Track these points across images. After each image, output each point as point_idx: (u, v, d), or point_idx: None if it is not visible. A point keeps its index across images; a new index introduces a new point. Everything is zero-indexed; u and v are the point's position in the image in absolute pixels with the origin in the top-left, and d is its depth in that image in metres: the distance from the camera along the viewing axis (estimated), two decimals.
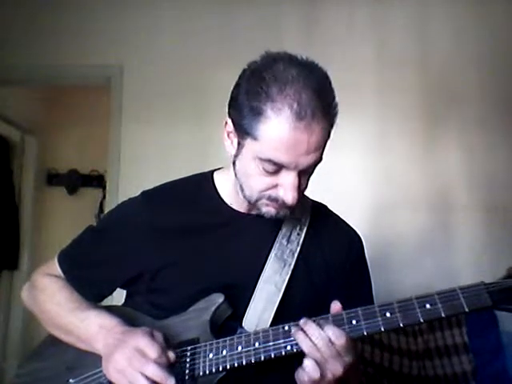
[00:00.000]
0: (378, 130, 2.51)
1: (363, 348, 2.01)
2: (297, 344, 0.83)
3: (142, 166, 2.57)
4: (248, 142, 0.90)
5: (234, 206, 1.03)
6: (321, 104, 0.87)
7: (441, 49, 2.55)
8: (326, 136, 0.90)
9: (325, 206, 1.14)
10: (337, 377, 0.81)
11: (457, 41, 2.54)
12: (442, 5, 2.57)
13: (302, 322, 0.83)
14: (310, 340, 0.81)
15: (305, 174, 0.93)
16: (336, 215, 1.13)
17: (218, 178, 1.08)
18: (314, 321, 0.83)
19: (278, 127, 0.85)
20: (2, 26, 2.79)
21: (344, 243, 1.06)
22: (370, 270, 1.09)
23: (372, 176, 2.49)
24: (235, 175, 0.97)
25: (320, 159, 0.91)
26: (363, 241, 1.10)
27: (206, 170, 1.13)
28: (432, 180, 2.46)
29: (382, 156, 2.50)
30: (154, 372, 0.83)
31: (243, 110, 0.89)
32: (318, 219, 1.07)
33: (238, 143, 0.93)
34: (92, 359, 0.93)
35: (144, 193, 1.09)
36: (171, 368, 0.86)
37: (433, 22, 2.57)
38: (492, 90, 2.48)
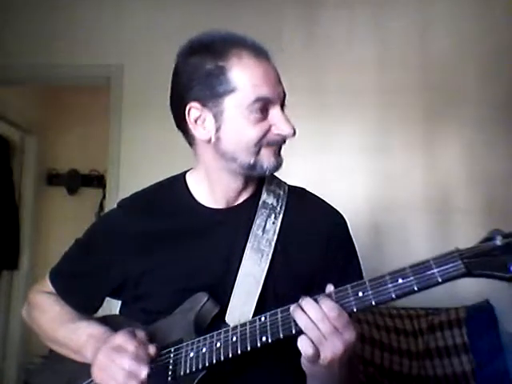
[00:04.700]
0: (379, 130, 2.51)
1: (364, 348, 2.01)
2: (272, 334, 0.82)
3: (142, 165, 2.57)
4: (227, 102, 0.92)
5: (208, 204, 1.03)
6: (264, 47, 0.95)
7: (440, 49, 2.55)
8: None
9: (303, 189, 1.11)
10: (338, 356, 0.78)
11: (457, 41, 2.54)
12: (442, 5, 2.57)
13: (300, 300, 0.82)
14: (306, 314, 0.79)
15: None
16: (316, 197, 1.10)
17: (190, 179, 1.08)
18: (312, 297, 0.82)
19: (246, 66, 0.91)
20: (2, 26, 2.79)
21: (325, 225, 1.03)
22: (357, 249, 1.06)
23: (372, 176, 2.50)
24: (222, 156, 0.96)
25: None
26: (347, 221, 1.07)
27: None
28: (432, 180, 2.47)
29: (381, 156, 2.50)
30: (128, 363, 0.84)
31: (204, 79, 0.92)
32: (295, 204, 1.05)
33: (215, 116, 0.94)
34: (88, 369, 0.94)
35: (120, 202, 1.12)
36: (153, 363, 0.87)
37: (432, 23, 2.57)
38: (492, 89, 2.48)
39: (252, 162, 0.94)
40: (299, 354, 0.81)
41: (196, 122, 0.96)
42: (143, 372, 0.84)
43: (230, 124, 0.93)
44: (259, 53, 0.93)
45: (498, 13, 2.53)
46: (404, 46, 2.57)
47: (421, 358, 2.08)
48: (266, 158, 0.94)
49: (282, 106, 0.95)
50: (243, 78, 0.90)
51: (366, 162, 2.50)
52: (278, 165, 0.96)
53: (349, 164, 2.49)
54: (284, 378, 0.97)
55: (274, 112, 0.93)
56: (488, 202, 2.40)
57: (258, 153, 0.94)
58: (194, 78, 0.93)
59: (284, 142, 0.96)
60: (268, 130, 0.93)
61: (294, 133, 0.93)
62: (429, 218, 2.43)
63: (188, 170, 1.11)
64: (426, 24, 2.57)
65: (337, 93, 2.50)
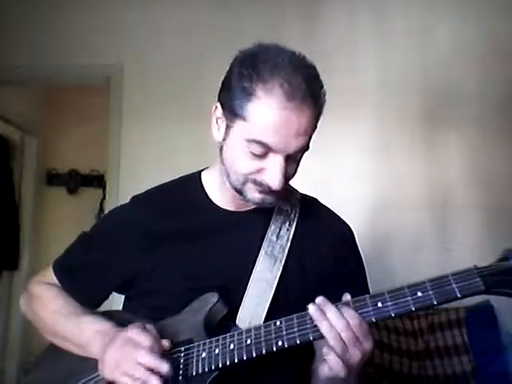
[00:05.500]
0: (379, 130, 2.51)
1: None
2: (288, 339, 0.81)
3: (142, 165, 2.56)
4: (237, 124, 0.91)
5: (223, 205, 1.03)
6: (310, 89, 0.88)
7: (441, 49, 2.55)
8: (315, 122, 0.92)
9: (315, 199, 1.13)
10: (355, 364, 0.80)
11: (457, 41, 2.54)
12: (443, 6, 2.57)
13: (319, 300, 0.81)
14: (328, 320, 0.79)
15: (292, 161, 0.93)
16: (326, 207, 1.11)
17: (205, 178, 1.08)
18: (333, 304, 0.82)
19: (268, 107, 0.86)
20: (2, 25, 2.79)
21: (336, 235, 1.06)
22: (363, 260, 1.08)
23: (372, 176, 2.49)
24: (222, 162, 0.97)
25: (307, 147, 0.92)
26: (354, 232, 1.09)
27: None
28: (432, 180, 2.46)
29: (381, 156, 2.50)
30: (147, 357, 0.82)
31: (234, 91, 0.90)
32: (308, 212, 1.06)
33: (226, 127, 0.94)
34: (91, 364, 0.93)
35: (133, 198, 1.11)
36: (166, 357, 0.85)
37: (433, 23, 2.57)
38: (492, 90, 2.48)
39: (239, 187, 0.94)
40: (311, 356, 0.81)
41: (217, 121, 0.97)
42: (165, 367, 0.82)
43: (231, 142, 0.93)
44: (294, 97, 0.85)
45: (499, 13, 2.53)
46: (404, 46, 2.57)
47: (421, 358, 2.08)
48: (251, 192, 0.94)
49: (291, 158, 0.91)
50: (258, 115, 0.87)
51: (365, 162, 2.49)
52: (262, 202, 0.94)
53: (348, 164, 2.49)
54: (298, 380, 0.97)
55: (272, 159, 0.89)
56: (488, 202, 2.40)
57: (244, 183, 0.93)
58: (231, 85, 0.91)
59: (269, 189, 0.91)
60: (258, 171, 0.91)
61: (277, 189, 0.90)
62: (428, 217, 2.43)
63: (204, 169, 1.11)
64: (427, 24, 2.57)
65: (337, 93, 2.49)
